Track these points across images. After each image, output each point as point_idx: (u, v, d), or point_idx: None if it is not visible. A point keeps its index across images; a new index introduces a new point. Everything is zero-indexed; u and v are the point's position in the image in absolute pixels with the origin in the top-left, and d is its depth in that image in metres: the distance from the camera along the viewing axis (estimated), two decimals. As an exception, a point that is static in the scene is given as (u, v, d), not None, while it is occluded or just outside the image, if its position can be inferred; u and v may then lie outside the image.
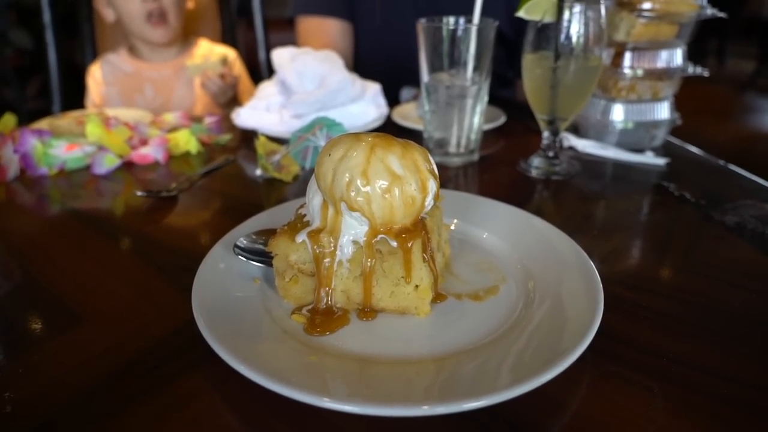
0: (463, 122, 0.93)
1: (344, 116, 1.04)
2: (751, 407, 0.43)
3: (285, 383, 0.39)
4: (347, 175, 0.47)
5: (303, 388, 0.39)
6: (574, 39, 0.81)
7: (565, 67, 0.82)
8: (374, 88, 1.09)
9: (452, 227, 0.67)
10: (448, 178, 0.91)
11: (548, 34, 0.82)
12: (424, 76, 0.91)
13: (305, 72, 1.02)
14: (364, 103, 1.06)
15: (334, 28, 1.45)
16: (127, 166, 0.97)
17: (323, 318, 0.50)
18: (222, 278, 0.54)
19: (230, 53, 1.63)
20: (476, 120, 0.93)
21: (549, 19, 0.80)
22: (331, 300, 0.52)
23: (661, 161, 0.94)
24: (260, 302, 0.52)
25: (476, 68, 0.89)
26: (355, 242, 0.50)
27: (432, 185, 0.50)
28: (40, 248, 0.70)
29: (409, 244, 0.49)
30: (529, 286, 0.55)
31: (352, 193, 0.47)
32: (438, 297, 0.53)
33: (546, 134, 0.91)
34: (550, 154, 0.91)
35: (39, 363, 0.49)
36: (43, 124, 1.02)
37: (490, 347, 0.46)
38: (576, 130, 1.07)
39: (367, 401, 0.38)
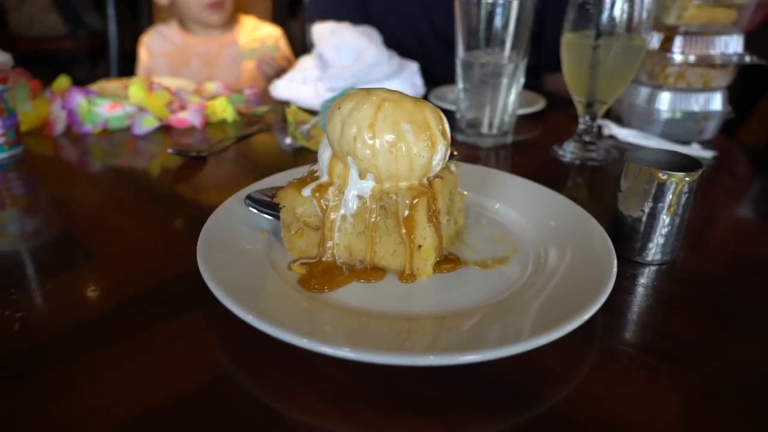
0: (497, 102, 0.90)
1: (379, 93, 1.04)
2: (765, 396, 0.40)
3: (274, 323, 0.39)
4: (355, 127, 0.47)
5: (290, 330, 0.39)
6: (617, 17, 0.77)
7: (606, 46, 0.78)
8: (411, 67, 1.08)
9: (473, 199, 0.65)
10: (477, 158, 0.89)
11: (590, 11, 0.78)
12: (460, 53, 0.90)
13: (343, 46, 1.02)
14: (399, 81, 1.06)
15: None
16: (166, 129, 1.00)
17: (323, 274, 0.50)
18: (230, 227, 0.55)
19: (276, 31, 1.66)
20: (511, 100, 0.91)
21: (591, -6, 0.77)
22: (333, 255, 0.51)
23: (707, 154, 0.89)
24: (264, 253, 0.52)
25: (513, 47, 0.87)
26: (360, 197, 0.50)
27: (441, 145, 0.49)
28: (75, 198, 0.74)
29: (414, 201, 0.48)
30: (540, 258, 0.53)
31: (359, 146, 0.47)
32: (444, 263, 0.52)
33: (583, 118, 0.87)
34: (587, 139, 0.88)
35: (52, 290, 0.51)
36: (93, 86, 1.07)
37: (490, 308, 0.45)
38: (619, 120, 1.02)
39: (355, 347, 0.38)
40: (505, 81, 0.89)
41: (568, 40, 0.82)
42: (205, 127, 1.02)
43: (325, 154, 0.52)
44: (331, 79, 1.01)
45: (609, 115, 1.03)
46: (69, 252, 0.59)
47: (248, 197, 0.57)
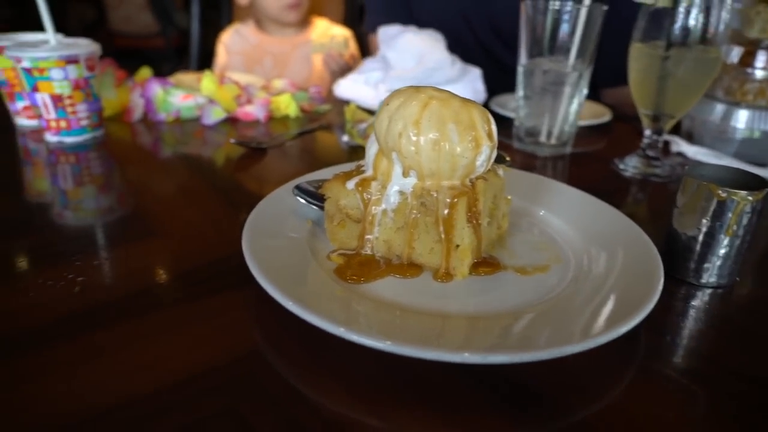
0: (557, 111, 0.89)
1: (439, 97, 1.04)
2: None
3: (308, 308, 0.40)
4: (401, 123, 0.48)
5: (324, 316, 0.40)
6: (691, 27, 0.74)
7: (678, 57, 0.75)
8: (474, 72, 1.08)
9: (520, 206, 0.65)
10: (533, 166, 0.88)
11: (661, 21, 0.75)
12: (522, 59, 0.88)
13: (406, 48, 1.03)
14: (461, 86, 1.05)
15: None
16: (232, 120, 1.05)
17: (359, 266, 0.51)
18: (277, 215, 0.57)
19: (346, 33, 1.70)
20: (572, 110, 0.89)
21: (663, 4, 0.74)
22: (372, 248, 0.52)
23: (786, 178, 0.82)
24: (306, 241, 0.54)
25: (579, 55, 0.85)
26: (401, 193, 0.50)
27: (486, 146, 0.48)
28: (145, 179, 0.80)
29: (454, 201, 0.48)
30: (582, 269, 0.52)
31: (403, 142, 0.48)
32: (483, 265, 0.52)
33: (648, 132, 0.84)
34: (651, 154, 0.84)
35: (111, 260, 0.55)
36: (171, 78, 1.14)
37: (524, 313, 0.44)
38: (689, 137, 0.97)
39: (387, 339, 0.38)
40: (567, 90, 0.87)
41: (636, 49, 0.79)
42: (269, 121, 1.06)
43: (371, 149, 0.53)
44: (392, 80, 1.02)
45: (679, 131, 0.98)
46: (132, 228, 0.64)
47: (296, 187, 0.59)
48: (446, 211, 0.48)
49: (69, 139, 0.89)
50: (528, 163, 0.89)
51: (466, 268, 0.50)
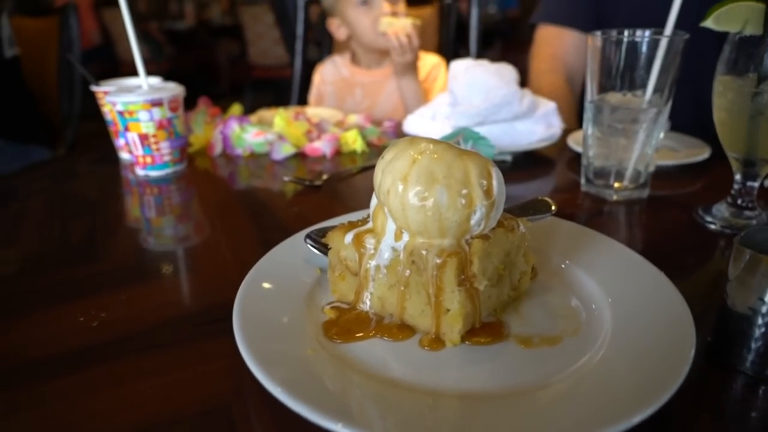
0: (631, 151, 0.79)
1: (508, 132, 0.99)
2: None
3: (268, 374, 0.39)
4: (389, 178, 0.46)
5: (278, 384, 0.38)
6: (787, 57, 0.62)
7: (771, 93, 0.63)
8: (548, 107, 1.01)
9: (552, 262, 0.58)
10: (593, 213, 0.79)
11: (750, 51, 0.64)
12: (590, 95, 0.81)
13: (474, 83, 1.00)
14: (531, 122, 0.99)
15: (570, 39, 1.42)
16: (302, 156, 1.09)
17: (347, 323, 0.49)
18: (288, 260, 0.57)
19: (436, 59, 1.69)
20: (650, 150, 0.79)
21: (751, 30, 0.63)
22: (366, 304, 0.50)
23: None
24: (307, 290, 0.53)
25: (656, 90, 0.75)
26: (394, 249, 0.48)
27: (481, 204, 0.44)
28: (211, 215, 0.85)
29: (441, 261, 0.44)
30: (599, 345, 0.45)
31: (391, 198, 0.45)
32: (481, 334, 0.47)
33: (738, 177, 0.71)
34: (742, 203, 0.71)
35: (132, 296, 0.59)
36: (254, 116, 1.22)
37: (500, 399, 0.39)
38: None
39: (339, 417, 0.35)
40: (643, 127, 0.78)
41: (722, 83, 0.68)
42: (336, 156, 1.08)
43: (373, 201, 0.51)
44: (457, 116, 0.99)
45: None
46: (163, 260, 0.68)
47: (308, 234, 0.59)
48: (435, 273, 0.45)
49: (153, 173, 0.99)
50: (595, 207, 0.81)
51: (456, 336, 0.45)
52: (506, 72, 0.99)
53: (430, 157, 0.45)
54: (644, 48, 0.75)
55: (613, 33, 0.77)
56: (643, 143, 0.78)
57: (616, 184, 0.82)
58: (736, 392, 0.43)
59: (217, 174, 1.05)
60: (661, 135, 0.78)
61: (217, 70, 6.36)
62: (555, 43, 1.45)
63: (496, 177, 0.46)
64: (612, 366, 0.42)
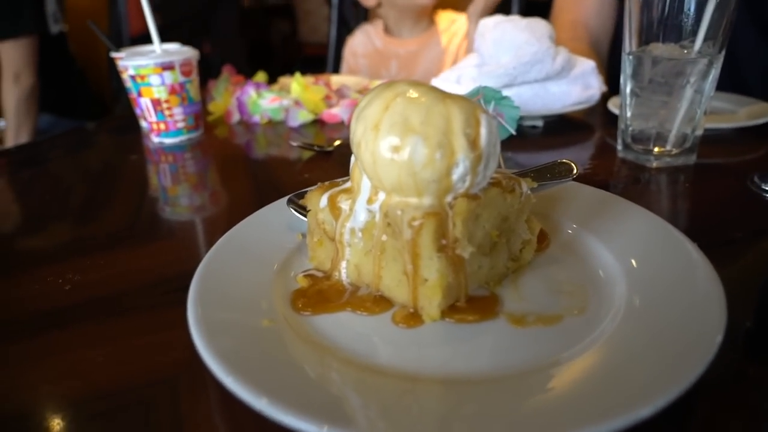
0: (676, 111, 0.69)
1: (539, 94, 0.90)
2: None
3: (207, 343, 0.35)
4: (361, 126, 0.40)
5: (217, 355, 0.34)
6: None
7: None
8: (586, 65, 0.90)
9: (568, 232, 0.51)
10: (629, 181, 0.70)
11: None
12: (628, 46, 0.71)
13: (502, 40, 0.90)
14: (566, 82, 0.89)
15: (590, 1, 1.29)
16: (320, 123, 1.04)
17: (316, 294, 0.43)
18: (270, 224, 0.52)
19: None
20: (699, 109, 0.68)
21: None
22: (343, 273, 0.45)
23: None
24: (285, 256, 0.49)
25: (708, 37, 0.65)
26: (369, 210, 0.42)
27: (464, 156, 0.37)
28: (224, 182, 0.82)
29: (416, 223, 0.38)
30: (605, 330, 0.37)
31: (362, 150, 0.39)
32: (468, 310, 0.41)
33: (804, 138, 0.60)
34: (808, 169, 0.60)
35: (116, 260, 0.57)
36: (277, 84, 1.18)
37: (483, 386, 0.33)
38: None
39: (294, 410, 0.30)
40: (691, 82, 0.67)
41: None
42: (355, 124, 1.03)
43: (352, 157, 0.46)
44: (483, 77, 0.91)
45: None
46: (156, 227, 0.65)
47: (291, 198, 0.54)
48: (411, 237, 0.39)
49: (168, 140, 0.97)
50: (632, 175, 0.71)
51: (435, 310, 0.39)
52: (538, 27, 0.90)
53: (406, 102, 0.38)
54: (695, -12, 0.64)
55: (657, -27, 0.66)
56: (690, 100, 0.68)
57: (657, 149, 0.72)
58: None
59: (234, 142, 1.02)
60: (712, 88, 0.67)
61: (270, 50, 6.41)
62: (574, 8, 1.31)
63: (486, 125, 0.39)
64: (615, 351, 0.35)
